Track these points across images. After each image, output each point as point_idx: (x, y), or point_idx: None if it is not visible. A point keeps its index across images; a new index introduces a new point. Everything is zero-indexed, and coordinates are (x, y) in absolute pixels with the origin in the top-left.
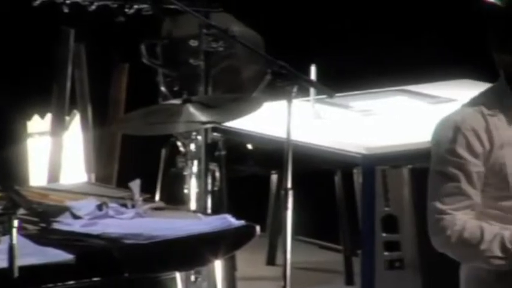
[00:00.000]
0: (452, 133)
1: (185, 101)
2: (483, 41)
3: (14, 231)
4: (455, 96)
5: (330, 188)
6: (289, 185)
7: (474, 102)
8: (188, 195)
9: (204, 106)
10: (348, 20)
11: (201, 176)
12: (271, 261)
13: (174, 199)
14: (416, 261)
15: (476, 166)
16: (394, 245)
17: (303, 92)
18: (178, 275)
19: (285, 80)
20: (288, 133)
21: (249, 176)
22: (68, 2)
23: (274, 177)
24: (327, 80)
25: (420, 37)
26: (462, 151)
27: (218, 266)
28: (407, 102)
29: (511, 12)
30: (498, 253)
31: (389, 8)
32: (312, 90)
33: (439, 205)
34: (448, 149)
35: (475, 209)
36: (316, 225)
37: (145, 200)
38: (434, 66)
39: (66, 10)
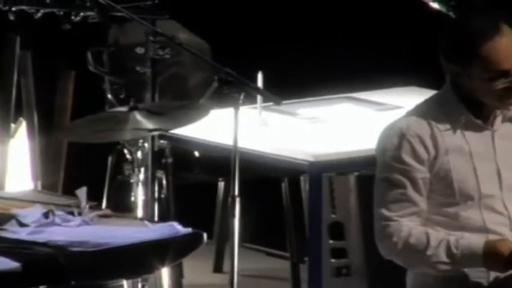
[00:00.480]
0: (397, 140)
1: (132, 109)
2: (429, 48)
3: None
4: (401, 103)
5: (277, 195)
6: (236, 192)
7: (419, 109)
8: (135, 203)
9: (151, 113)
10: (295, 27)
11: (148, 184)
12: (218, 268)
13: (121, 207)
14: (363, 268)
15: (421, 172)
16: (340, 252)
17: (250, 99)
18: (125, 283)
19: (231, 87)
20: (235, 140)
21: (196, 183)
22: (14, 9)
23: (221, 185)
24: (273, 87)
25: (366, 44)
26: (407, 158)
27: (165, 274)
28: (354, 109)
29: (458, 24)
30: (444, 258)
31: (336, 15)
32: (259, 98)
33: (385, 212)
34: (394, 156)
35: (421, 216)
36: (263, 232)
37: (92, 208)
38: (380, 74)
39: (12, 17)
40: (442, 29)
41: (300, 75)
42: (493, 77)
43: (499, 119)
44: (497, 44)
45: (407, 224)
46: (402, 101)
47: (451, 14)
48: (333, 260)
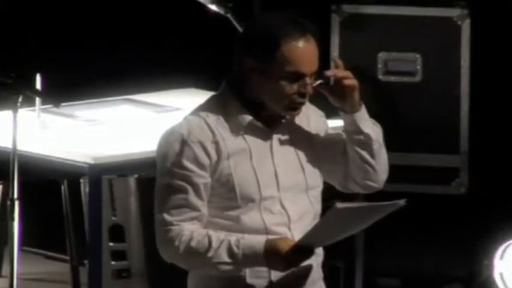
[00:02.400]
0: (179, 146)
1: None
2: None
3: None
4: (180, 105)
5: (57, 198)
6: (16, 195)
7: (199, 112)
8: None
9: None
10: (75, 29)
11: None
12: None
13: None
14: (144, 270)
15: (203, 178)
16: (121, 255)
17: (29, 102)
18: None
19: (9, 89)
20: (14, 143)
21: None
22: None
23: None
24: (53, 90)
25: (145, 46)
26: (189, 164)
27: None
28: (133, 111)
29: (265, 21)
30: (226, 259)
31: (116, 17)
32: (37, 100)
33: (166, 217)
34: (175, 161)
35: (203, 220)
36: (43, 235)
37: None
38: (158, 75)
39: None
40: (246, 23)
41: (78, 78)
42: (289, 77)
43: (280, 123)
44: (300, 46)
45: (189, 228)
46: (181, 103)
47: (230, 16)
48: (113, 263)
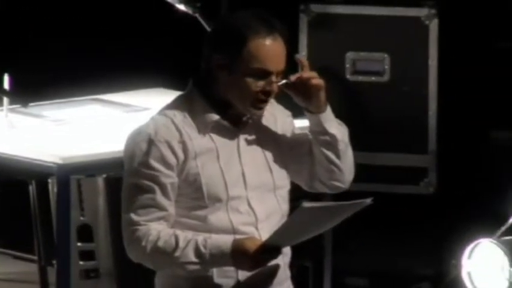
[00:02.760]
0: (145, 146)
1: None
2: (174, 49)
3: None
4: (148, 105)
5: (25, 198)
6: None
7: (166, 112)
8: None
9: None
10: (42, 29)
11: None
12: None
13: None
14: (112, 270)
15: (170, 178)
16: (89, 255)
17: None
18: None
19: None
20: None
21: None
22: None
23: None
24: (20, 90)
25: (113, 46)
26: (156, 163)
27: None
28: (101, 111)
29: (234, 17)
30: (193, 258)
31: (82, 18)
32: (5, 100)
33: (133, 217)
34: (142, 161)
35: (170, 220)
36: (11, 235)
37: None
38: (126, 75)
39: None
40: (215, 22)
41: (46, 77)
42: (255, 74)
43: (247, 122)
44: (267, 44)
45: (156, 228)
46: (149, 102)
47: (198, 15)
48: (81, 263)
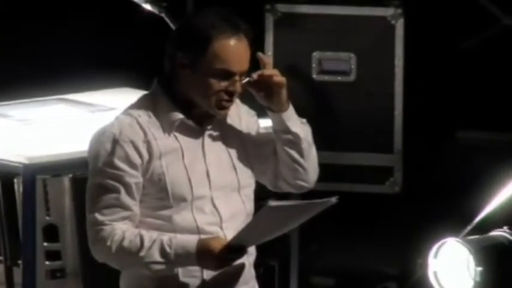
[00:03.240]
0: (110, 146)
1: None
2: (140, 49)
3: None
4: (114, 105)
5: None
6: None
7: (130, 112)
8: None
9: None
10: (7, 27)
11: None
12: None
13: None
14: (78, 270)
15: (134, 177)
16: (55, 254)
17: None
18: None
19: None
20: None
21: None
22: None
23: None
24: None
25: (79, 45)
26: (120, 163)
27: None
28: (67, 111)
29: (199, 16)
30: (158, 258)
31: (50, 14)
32: None
33: (98, 216)
34: (106, 161)
35: (135, 220)
36: None
37: None
38: (92, 74)
39: None
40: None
41: (11, 77)
42: (218, 73)
43: (212, 122)
44: (232, 44)
45: (121, 227)
46: (115, 102)
47: (164, 15)
48: (47, 263)
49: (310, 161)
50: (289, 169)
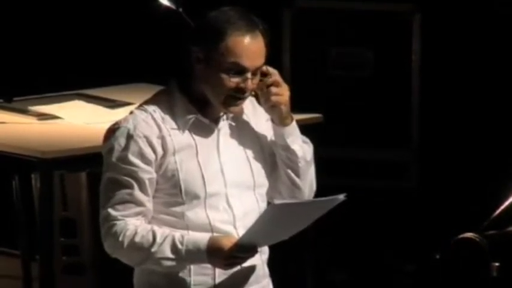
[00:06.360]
0: (124, 141)
1: None
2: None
3: None
4: (132, 100)
5: (8, 193)
6: None
7: (146, 107)
8: None
9: None
10: (22, 24)
11: None
12: None
13: None
14: (95, 265)
15: (148, 173)
16: (72, 249)
17: None
18: None
19: None
20: None
21: None
22: None
23: None
24: (3, 85)
25: (97, 41)
26: (134, 159)
27: None
28: (85, 106)
29: (216, 12)
30: (169, 254)
31: (67, 12)
32: None
33: (111, 211)
34: (121, 156)
35: (147, 215)
36: None
37: None
38: (110, 70)
39: None
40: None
41: (30, 72)
42: (229, 68)
43: (225, 117)
44: (246, 40)
45: (134, 223)
46: (132, 98)
47: (181, 10)
48: (64, 257)
49: (306, 181)
50: (285, 185)
